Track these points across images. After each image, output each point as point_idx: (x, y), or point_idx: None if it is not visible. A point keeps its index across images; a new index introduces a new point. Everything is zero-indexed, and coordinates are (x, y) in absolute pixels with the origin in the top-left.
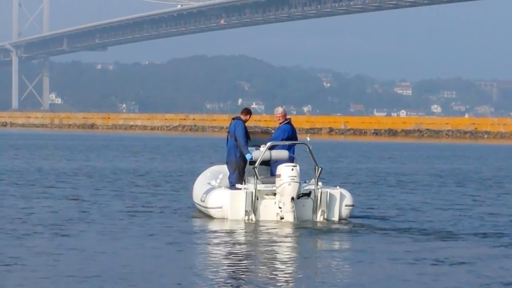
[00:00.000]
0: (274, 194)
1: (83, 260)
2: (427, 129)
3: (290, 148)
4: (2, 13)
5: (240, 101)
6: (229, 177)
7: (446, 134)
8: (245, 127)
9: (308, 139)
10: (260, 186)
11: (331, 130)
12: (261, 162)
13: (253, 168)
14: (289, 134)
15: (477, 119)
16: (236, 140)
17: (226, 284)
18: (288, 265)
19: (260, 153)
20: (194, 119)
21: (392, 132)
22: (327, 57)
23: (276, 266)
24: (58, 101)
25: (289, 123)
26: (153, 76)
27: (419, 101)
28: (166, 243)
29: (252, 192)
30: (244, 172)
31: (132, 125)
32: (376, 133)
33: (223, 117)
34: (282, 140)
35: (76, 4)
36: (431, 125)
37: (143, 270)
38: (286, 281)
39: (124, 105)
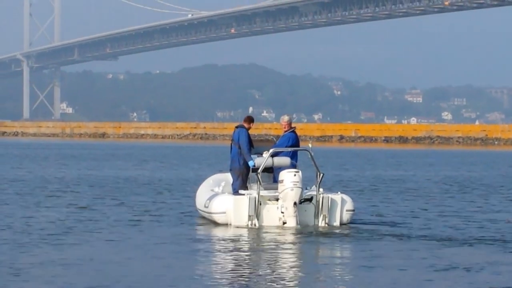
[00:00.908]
0: (277, 200)
1: (86, 269)
2: (437, 136)
3: (293, 155)
4: (13, 23)
5: (250, 109)
6: (232, 184)
7: (457, 141)
8: (249, 135)
9: (310, 145)
10: (263, 192)
11: (341, 137)
12: (264, 169)
13: (256, 174)
14: (293, 142)
15: (487, 126)
16: (239, 147)
17: None
18: (291, 271)
19: (262, 160)
20: (205, 127)
21: (402, 140)
22: (337, 65)
23: (280, 271)
24: (69, 110)
25: (294, 131)
26: (163, 85)
27: (430, 109)
28: (171, 251)
29: (255, 198)
30: (247, 178)
31: (143, 134)
32: (387, 140)
33: (233, 126)
34: (286, 147)
35: (87, 14)
36: (441, 132)
37: (148, 279)
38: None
39: (135, 114)
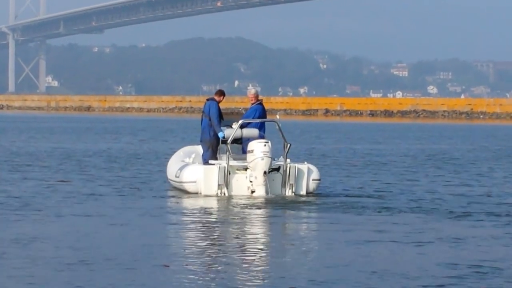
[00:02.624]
0: (245, 170)
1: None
2: (423, 110)
3: (261, 127)
4: None
5: (236, 83)
6: (202, 155)
7: (442, 115)
8: (219, 108)
9: (278, 117)
10: (232, 162)
11: (327, 111)
12: (233, 141)
13: (226, 145)
14: (260, 114)
15: (473, 99)
16: (210, 119)
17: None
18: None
19: (232, 131)
20: (190, 101)
21: (388, 113)
22: (323, 39)
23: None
24: (55, 84)
25: (261, 103)
26: (150, 58)
27: (416, 83)
28: (142, 223)
29: (224, 167)
30: (217, 149)
31: (128, 107)
32: (372, 114)
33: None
34: (253, 119)
35: None
36: (427, 106)
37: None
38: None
39: (120, 88)
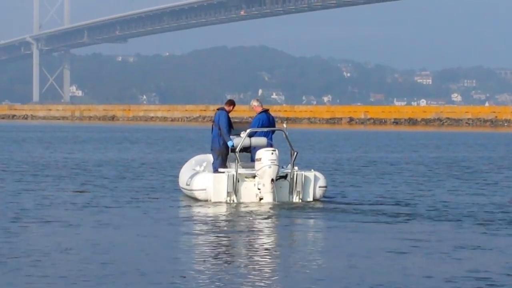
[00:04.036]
0: (254, 177)
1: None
2: (447, 118)
3: (268, 135)
4: (23, 6)
5: (260, 91)
6: (213, 163)
7: (466, 123)
8: (229, 117)
9: (285, 126)
10: (241, 170)
11: (351, 119)
12: (242, 149)
13: (234, 153)
14: (263, 123)
15: (497, 107)
16: (220, 129)
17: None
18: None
19: (240, 140)
20: (214, 110)
21: (412, 121)
22: (347, 47)
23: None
24: (79, 93)
25: (266, 112)
26: (173, 67)
27: (439, 90)
28: (153, 231)
29: (233, 175)
30: (227, 158)
31: (152, 117)
32: (396, 122)
33: (243, 108)
34: (258, 127)
35: None
36: (451, 114)
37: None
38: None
39: (144, 97)
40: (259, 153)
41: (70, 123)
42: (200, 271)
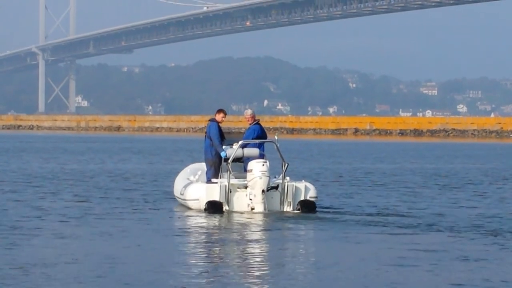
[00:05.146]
0: (245, 188)
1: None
2: (452, 129)
3: (260, 146)
4: (28, 16)
5: (266, 102)
6: (206, 173)
7: (472, 134)
8: (219, 128)
9: (276, 137)
10: (233, 180)
11: (356, 130)
12: (234, 159)
13: (227, 164)
14: (258, 134)
15: (503, 118)
16: (211, 140)
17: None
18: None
19: (233, 151)
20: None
21: (417, 132)
22: (353, 57)
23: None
24: (85, 104)
25: (258, 123)
26: (179, 78)
27: (445, 101)
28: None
29: (225, 186)
30: (219, 168)
31: (158, 127)
32: (402, 133)
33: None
34: (252, 139)
35: (102, 7)
36: (456, 125)
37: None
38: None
39: (150, 107)
40: (251, 165)
41: (76, 134)
42: (200, 283)
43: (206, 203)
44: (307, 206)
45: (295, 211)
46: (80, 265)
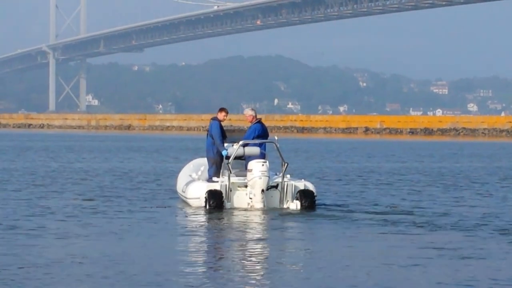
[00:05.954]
0: (246, 186)
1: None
2: (463, 127)
3: (261, 145)
4: (39, 15)
5: (276, 101)
6: (208, 171)
7: (482, 133)
8: (221, 126)
9: (276, 137)
10: (234, 179)
11: (367, 129)
12: (236, 157)
13: (227, 163)
14: (259, 133)
15: None
16: (213, 138)
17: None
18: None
19: (234, 150)
20: (230, 119)
21: (428, 131)
22: (363, 56)
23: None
24: (95, 102)
25: (259, 122)
26: (189, 77)
27: (455, 100)
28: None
29: (226, 184)
30: (221, 166)
31: (168, 126)
32: (412, 132)
33: (259, 117)
34: (253, 138)
35: (113, 6)
36: (467, 123)
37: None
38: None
39: (160, 106)
40: (251, 164)
41: (86, 132)
42: (202, 282)
43: (207, 192)
44: (306, 195)
45: (295, 200)
46: (85, 265)
